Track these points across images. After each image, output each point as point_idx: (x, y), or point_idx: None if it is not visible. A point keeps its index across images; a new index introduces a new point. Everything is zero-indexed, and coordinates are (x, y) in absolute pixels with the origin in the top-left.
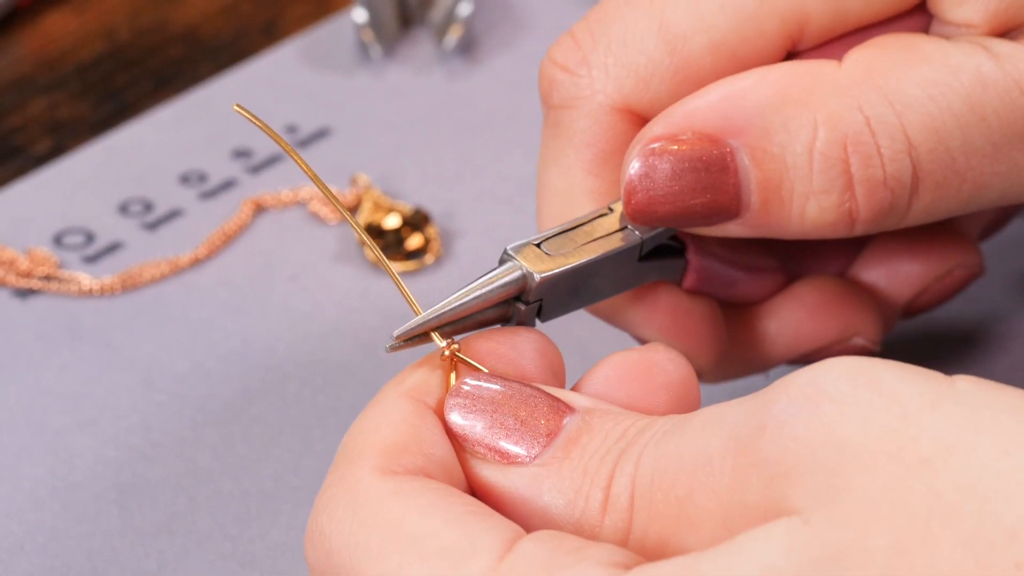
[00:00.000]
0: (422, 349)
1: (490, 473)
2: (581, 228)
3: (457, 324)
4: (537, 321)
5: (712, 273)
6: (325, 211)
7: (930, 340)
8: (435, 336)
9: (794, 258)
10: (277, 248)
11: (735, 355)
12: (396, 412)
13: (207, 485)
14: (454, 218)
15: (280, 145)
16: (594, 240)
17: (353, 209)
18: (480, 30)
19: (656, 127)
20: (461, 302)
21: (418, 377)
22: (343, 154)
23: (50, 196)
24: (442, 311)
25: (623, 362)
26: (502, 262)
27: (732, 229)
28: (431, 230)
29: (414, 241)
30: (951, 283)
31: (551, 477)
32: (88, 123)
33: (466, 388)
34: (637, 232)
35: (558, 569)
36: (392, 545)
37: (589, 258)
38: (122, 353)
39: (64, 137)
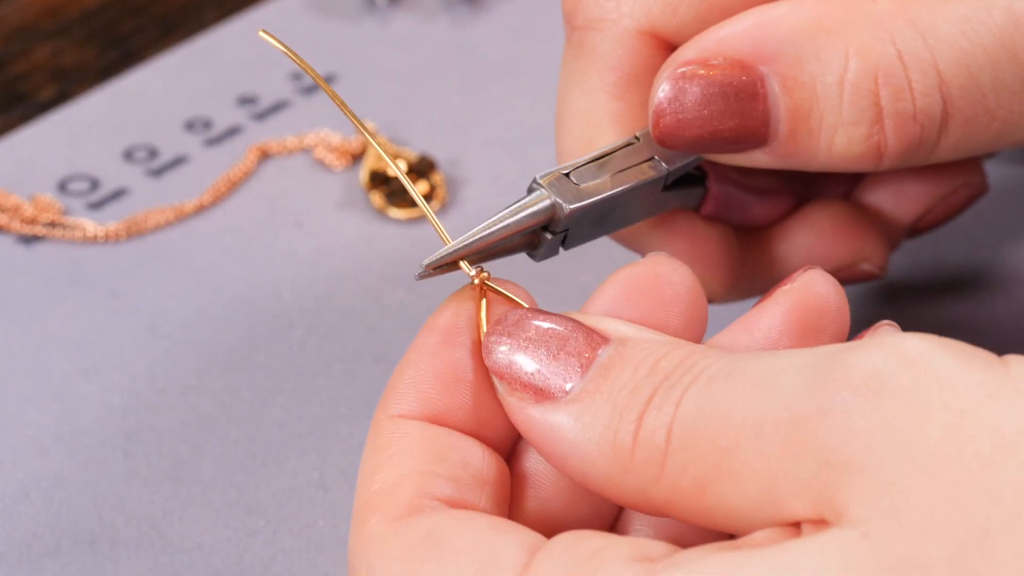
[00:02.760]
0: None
1: (531, 411)
2: (609, 158)
3: (483, 252)
4: (561, 249)
5: (729, 199)
6: (330, 158)
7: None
8: (464, 265)
9: (802, 179)
10: (282, 195)
11: (746, 277)
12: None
13: (212, 432)
14: (459, 165)
15: (302, 67)
16: (622, 171)
17: (359, 156)
18: None
19: (687, 51)
20: (490, 231)
21: (448, 317)
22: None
23: (55, 143)
24: (471, 240)
25: (629, 277)
26: (530, 191)
27: (759, 158)
28: (437, 177)
29: (420, 188)
30: (956, 202)
31: (582, 412)
32: (93, 70)
33: (500, 327)
34: (664, 163)
35: None
36: None
37: (617, 189)
38: (127, 300)
39: (69, 84)
